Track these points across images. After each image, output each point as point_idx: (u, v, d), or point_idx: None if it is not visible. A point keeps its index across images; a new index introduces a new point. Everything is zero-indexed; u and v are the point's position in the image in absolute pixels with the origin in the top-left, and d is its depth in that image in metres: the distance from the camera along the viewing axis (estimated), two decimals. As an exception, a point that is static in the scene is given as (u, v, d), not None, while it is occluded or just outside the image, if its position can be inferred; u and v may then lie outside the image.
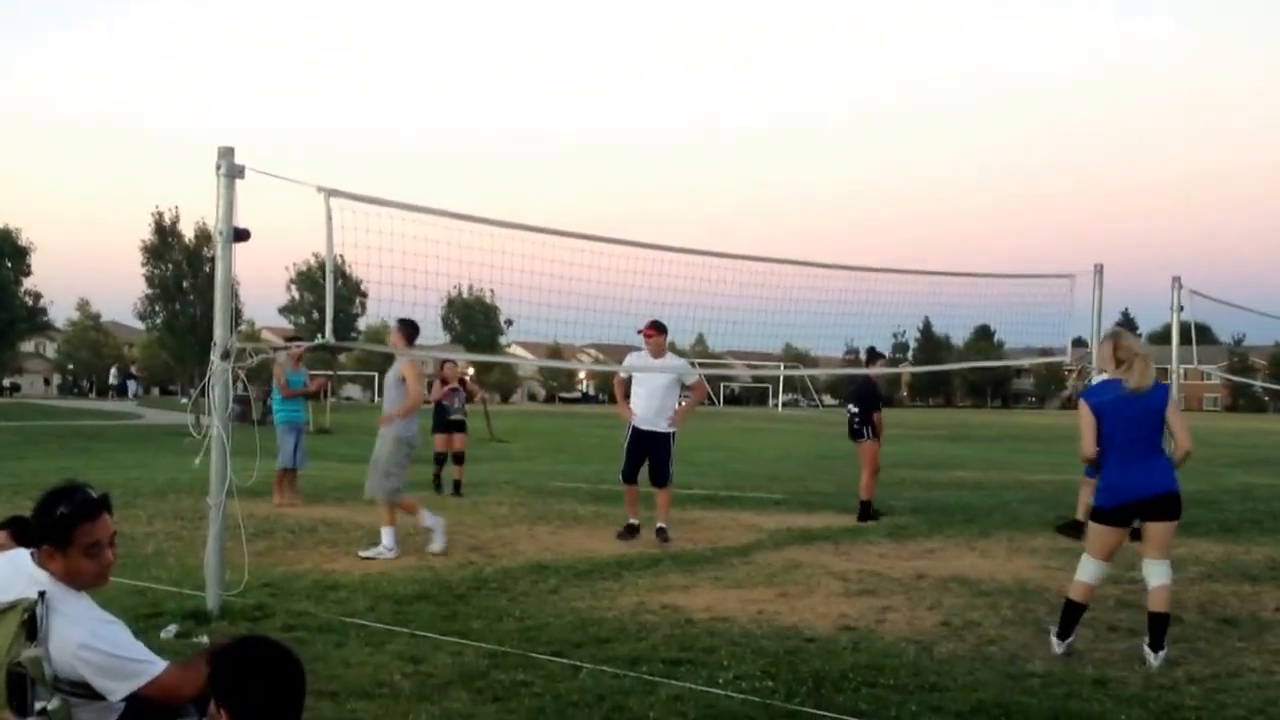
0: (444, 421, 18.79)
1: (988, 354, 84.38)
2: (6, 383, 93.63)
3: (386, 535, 11.51)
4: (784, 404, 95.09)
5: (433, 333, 12.53)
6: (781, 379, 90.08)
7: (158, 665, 3.82)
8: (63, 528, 3.91)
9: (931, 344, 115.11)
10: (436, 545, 11.65)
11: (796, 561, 11.38)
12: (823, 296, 12.31)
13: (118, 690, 3.77)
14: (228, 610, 8.52)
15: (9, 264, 65.57)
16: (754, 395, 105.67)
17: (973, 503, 17.38)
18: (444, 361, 20.04)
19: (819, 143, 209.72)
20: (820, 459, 29.11)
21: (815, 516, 15.23)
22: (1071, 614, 7.75)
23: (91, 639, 3.76)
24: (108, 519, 4.02)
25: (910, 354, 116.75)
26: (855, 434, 15.41)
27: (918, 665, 7.29)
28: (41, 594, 3.77)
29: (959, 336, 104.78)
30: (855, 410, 15.48)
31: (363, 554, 11.36)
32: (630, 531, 12.80)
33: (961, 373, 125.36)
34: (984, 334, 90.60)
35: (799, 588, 9.99)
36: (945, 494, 18.98)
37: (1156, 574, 7.67)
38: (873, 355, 16.24)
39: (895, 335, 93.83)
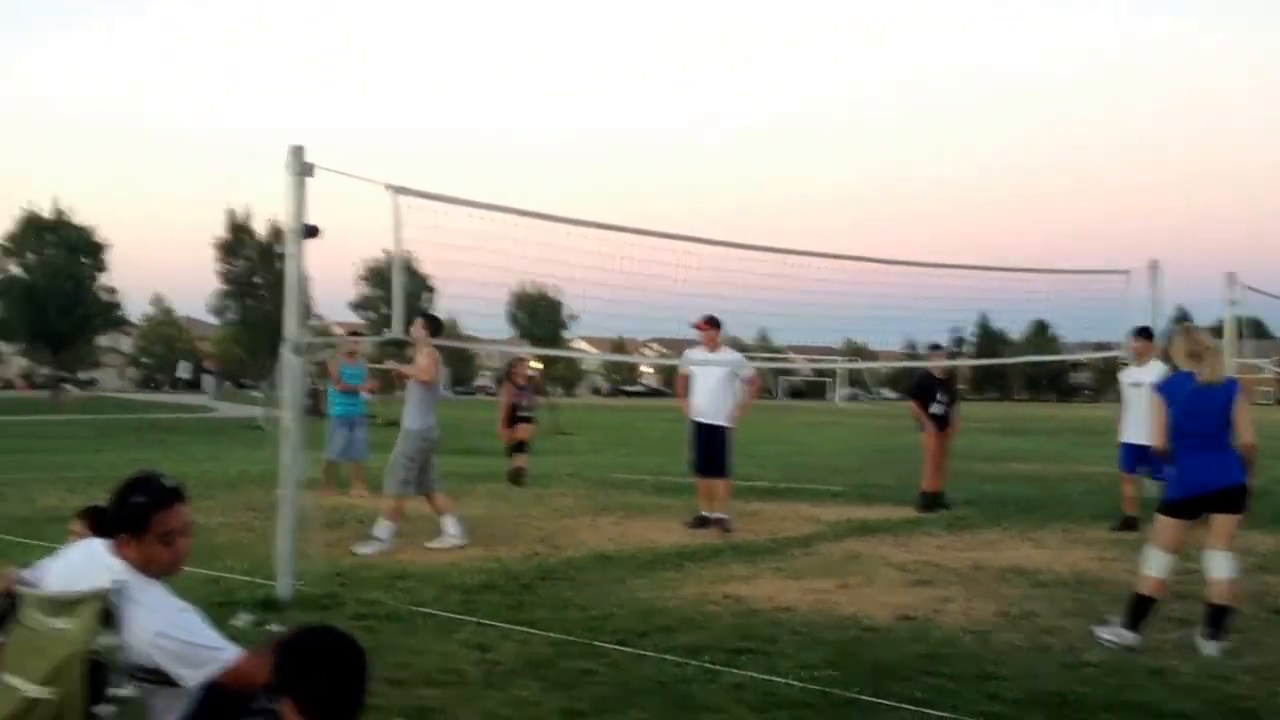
0: (516, 418, 19.03)
1: (1044, 349, 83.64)
2: (84, 376, 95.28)
3: (384, 529, 11.41)
4: (844, 398, 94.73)
5: (498, 327, 12.63)
6: (839, 373, 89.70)
7: (231, 652, 3.86)
8: (139, 516, 3.97)
9: (989, 338, 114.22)
10: (441, 543, 11.55)
11: (856, 552, 11.46)
12: (882, 291, 12.33)
13: (192, 677, 3.80)
14: (300, 599, 8.68)
15: (86, 260, 66.40)
16: (814, 389, 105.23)
17: (1030, 495, 17.35)
18: (514, 361, 20.28)
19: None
20: (879, 452, 29.03)
21: (874, 509, 15.28)
22: (1141, 607, 7.74)
23: (167, 626, 3.80)
24: (183, 508, 4.07)
25: (967, 348, 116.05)
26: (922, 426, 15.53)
27: (975, 655, 7.35)
28: (118, 583, 3.80)
29: (1016, 331, 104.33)
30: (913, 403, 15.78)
31: (429, 545, 11.49)
32: (700, 522, 12.98)
33: (1019, 366, 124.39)
34: (1041, 329, 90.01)
35: (858, 578, 10.06)
36: (1002, 486, 18.92)
37: (1219, 566, 7.68)
38: (933, 349, 16.37)
39: (953, 330, 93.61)
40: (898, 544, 12.12)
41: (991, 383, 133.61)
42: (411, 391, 11.79)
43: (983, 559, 11.14)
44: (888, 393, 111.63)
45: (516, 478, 18.03)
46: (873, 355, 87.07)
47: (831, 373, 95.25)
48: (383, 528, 11.42)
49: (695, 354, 13.49)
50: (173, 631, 3.80)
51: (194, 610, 3.93)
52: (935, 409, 15.46)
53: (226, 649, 3.86)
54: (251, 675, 3.77)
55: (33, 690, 3.71)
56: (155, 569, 3.98)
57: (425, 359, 11.66)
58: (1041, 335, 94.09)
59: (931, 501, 15.01)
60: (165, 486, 4.07)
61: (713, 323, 13.06)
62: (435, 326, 11.75)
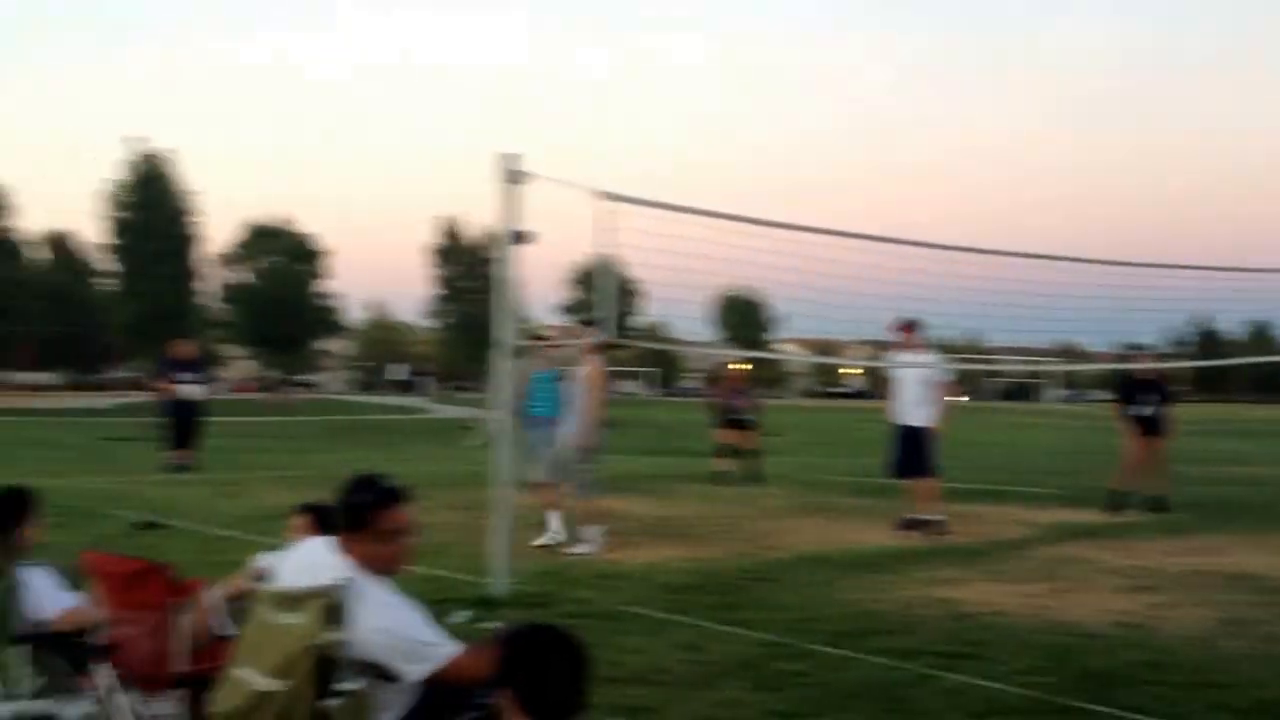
0: (729, 420, 19.30)
1: (1265, 349, 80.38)
2: (306, 379, 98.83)
3: (590, 532, 11.49)
4: (1057, 399, 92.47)
5: (704, 329, 12.71)
6: (1054, 373, 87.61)
7: (450, 648, 3.94)
8: (360, 514, 4.09)
9: (1208, 339, 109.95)
10: (547, 540, 11.55)
11: (1071, 556, 11.23)
12: (1095, 292, 12.04)
13: (414, 672, 3.89)
14: (515, 597, 8.86)
15: (307, 267, 68.88)
16: (1024, 390, 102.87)
17: (1254, 498, 16.77)
18: (726, 363, 20.52)
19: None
20: (1092, 454, 28.29)
21: (1089, 512, 14.92)
22: None
23: (390, 623, 3.90)
24: (404, 509, 4.16)
25: (1186, 348, 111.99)
26: None
27: (1197, 662, 7.14)
28: (344, 580, 3.90)
29: (1238, 331, 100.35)
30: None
31: (535, 543, 11.33)
32: (909, 524, 12.89)
33: (1242, 368, 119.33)
34: (1261, 329, 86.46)
35: (1074, 583, 9.86)
36: (1225, 490, 18.29)
37: None
38: (1136, 350, 16.02)
39: (1171, 330, 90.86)
40: (1114, 548, 11.83)
41: (1212, 384, 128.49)
42: (580, 398, 11.75)
43: (1203, 564, 10.80)
44: (1101, 394, 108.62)
45: (753, 478, 18.24)
46: (1085, 356, 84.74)
47: (1043, 373, 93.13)
48: (588, 531, 11.53)
49: (897, 356, 13.50)
50: (395, 627, 3.89)
51: (416, 607, 4.01)
52: (1136, 410, 15.22)
53: (446, 645, 3.94)
54: (470, 671, 3.84)
55: (263, 683, 3.83)
56: (377, 566, 4.07)
57: (597, 391, 11.80)
58: (1263, 336, 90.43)
59: (1119, 501, 14.79)
60: (386, 486, 4.17)
61: (911, 325, 13.04)
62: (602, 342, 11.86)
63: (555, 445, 11.50)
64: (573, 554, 11.13)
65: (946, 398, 13.27)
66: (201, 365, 21.02)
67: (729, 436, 19.41)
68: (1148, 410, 15.20)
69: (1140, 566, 10.66)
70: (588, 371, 11.73)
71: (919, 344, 13.34)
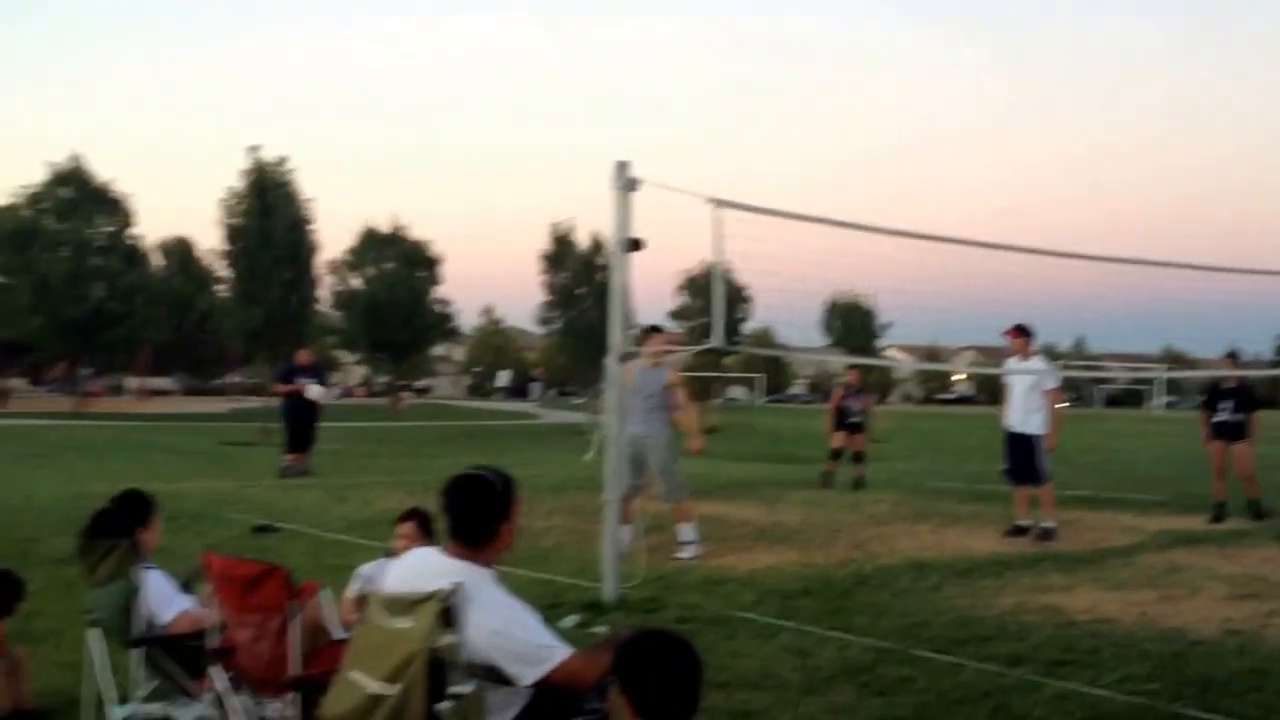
0: (844, 423, 19.47)
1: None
2: (419, 384, 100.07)
3: (687, 533, 11.51)
4: (1165, 405, 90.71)
5: (812, 336, 12.78)
6: (1157, 380, 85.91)
7: (564, 651, 3.94)
8: (507, 501, 4.13)
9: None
10: (688, 553, 11.42)
11: (1179, 564, 11.12)
12: (1203, 299, 11.92)
13: (528, 675, 3.90)
14: (624, 602, 8.99)
15: (422, 274, 69.65)
16: (1131, 396, 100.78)
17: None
18: (849, 367, 20.68)
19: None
20: (1199, 461, 27.74)
21: (1197, 519, 14.72)
22: None
23: (506, 625, 3.92)
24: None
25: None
26: None
27: (1307, 672, 7.09)
28: (457, 584, 3.90)
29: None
30: None
31: (678, 556, 11.32)
32: (1017, 531, 12.89)
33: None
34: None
35: (1182, 590, 9.79)
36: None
37: None
38: (1227, 356, 15.78)
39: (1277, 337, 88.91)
40: (1222, 555, 11.72)
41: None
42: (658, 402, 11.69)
43: (1311, 572, 10.65)
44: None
45: (859, 483, 18.35)
46: (1192, 363, 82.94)
47: (1149, 380, 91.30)
48: (685, 531, 11.56)
49: (1010, 362, 13.48)
50: (509, 629, 3.92)
51: (529, 609, 4.06)
52: (1220, 417, 15.15)
53: (560, 648, 3.95)
54: (583, 675, 3.88)
55: (376, 686, 3.87)
56: (496, 556, 4.15)
57: (685, 394, 11.98)
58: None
59: (1219, 512, 14.69)
60: (505, 474, 4.23)
61: (1023, 331, 13.01)
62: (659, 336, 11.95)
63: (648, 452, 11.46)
64: (678, 558, 11.21)
65: (1053, 407, 13.14)
66: (320, 370, 21.51)
67: (840, 440, 19.55)
68: (1226, 416, 15.07)
69: (1249, 574, 10.55)
70: (671, 376, 11.72)
71: (1030, 349, 13.31)
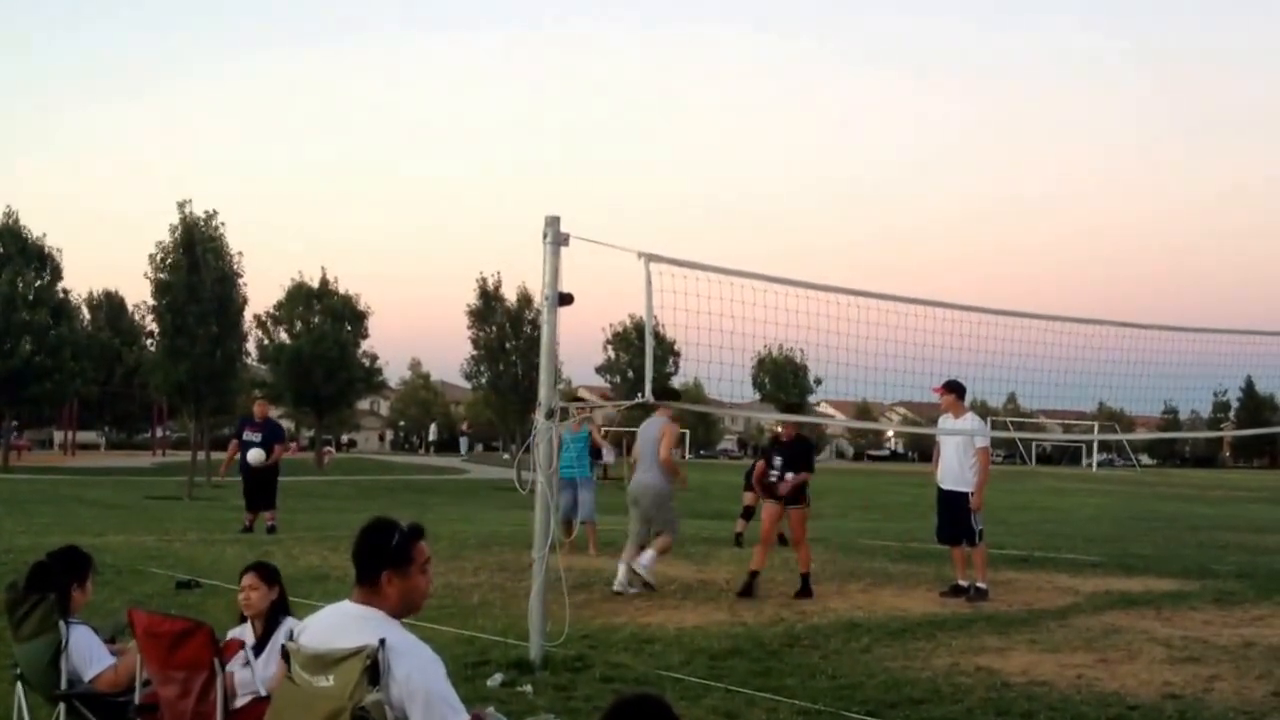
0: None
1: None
2: (345, 439, 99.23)
3: (652, 560, 12.75)
4: (1098, 463, 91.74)
5: (742, 391, 12.75)
6: (1095, 440, 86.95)
7: (463, 717, 3.92)
8: (405, 548, 4.12)
9: (1255, 403, 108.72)
10: (646, 578, 12.67)
11: (1116, 626, 11.03)
12: (1138, 357, 11.96)
13: None
14: (549, 661, 8.79)
15: (349, 328, 69.29)
16: (1065, 454, 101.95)
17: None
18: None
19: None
20: (1137, 520, 28.01)
21: (1135, 580, 14.67)
22: None
23: (416, 670, 3.86)
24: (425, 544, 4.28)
25: (1233, 414, 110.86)
26: None
27: (1249, 737, 6.99)
28: (382, 641, 3.86)
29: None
30: None
31: (634, 565, 12.65)
32: (954, 591, 12.77)
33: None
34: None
35: (1119, 653, 9.68)
36: (1274, 559, 17.98)
37: None
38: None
39: (1216, 395, 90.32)
40: (1161, 618, 11.63)
41: (1260, 450, 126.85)
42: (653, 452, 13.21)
43: (1255, 636, 10.58)
44: (1146, 459, 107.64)
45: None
46: (1129, 422, 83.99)
47: (1083, 441, 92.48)
48: (649, 558, 12.70)
49: (942, 420, 13.40)
50: (420, 676, 3.86)
51: (443, 663, 4.00)
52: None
53: (461, 713, 3.91)
54: None
55: None
56: (415, 600, 4.15)
57: (671, 445, 13.31)
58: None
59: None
60: (409, 523, 4.25)
61: (953, 387, 12.87)
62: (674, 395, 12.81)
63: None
64: (640, 569, 12.41)
65: (983, 467, 12.96)
66: (271, 427, 20.47)
67: (751, 499, 18.98)
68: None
69: (1188, 637, 10.45)
70: (662, 425, 13.20)
71: (962, 407, 13.23)
